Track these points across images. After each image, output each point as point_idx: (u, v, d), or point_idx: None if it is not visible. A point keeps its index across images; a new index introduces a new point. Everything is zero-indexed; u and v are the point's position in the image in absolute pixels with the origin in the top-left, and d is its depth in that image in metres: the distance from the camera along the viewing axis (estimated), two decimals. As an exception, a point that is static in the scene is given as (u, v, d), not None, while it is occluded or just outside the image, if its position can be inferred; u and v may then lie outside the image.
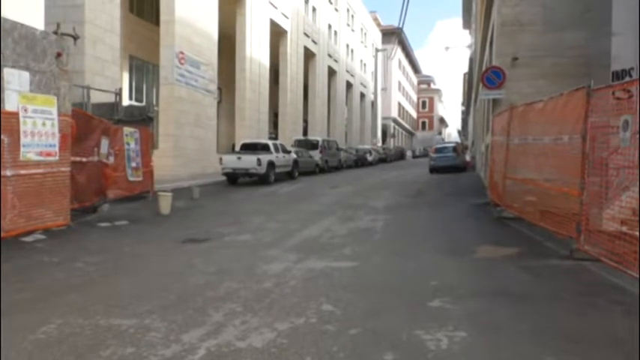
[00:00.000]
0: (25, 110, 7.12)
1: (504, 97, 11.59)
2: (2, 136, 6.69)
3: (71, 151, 8.22)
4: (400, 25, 35.38)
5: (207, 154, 20.91)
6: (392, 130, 64.52)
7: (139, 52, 22.15)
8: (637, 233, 4.62)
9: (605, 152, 5.47)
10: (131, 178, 11.80)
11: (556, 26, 11.20)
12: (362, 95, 51.59)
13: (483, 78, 12.22)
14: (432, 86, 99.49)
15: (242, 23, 24.58)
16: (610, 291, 4.77)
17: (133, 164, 11.94)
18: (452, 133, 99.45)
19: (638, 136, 4.74)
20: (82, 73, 13.60)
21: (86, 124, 9.46)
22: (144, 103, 20.61)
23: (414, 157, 56.41)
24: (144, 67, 23.08)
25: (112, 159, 10.81)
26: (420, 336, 3.64)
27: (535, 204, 7.67)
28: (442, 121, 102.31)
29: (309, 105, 35.88)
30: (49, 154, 7.52)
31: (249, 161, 17.26)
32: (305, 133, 33.93)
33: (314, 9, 35.80)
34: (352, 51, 47.10)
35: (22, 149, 7.02)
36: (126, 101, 19.57)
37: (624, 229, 5.00)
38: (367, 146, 39.26)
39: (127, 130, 11.71)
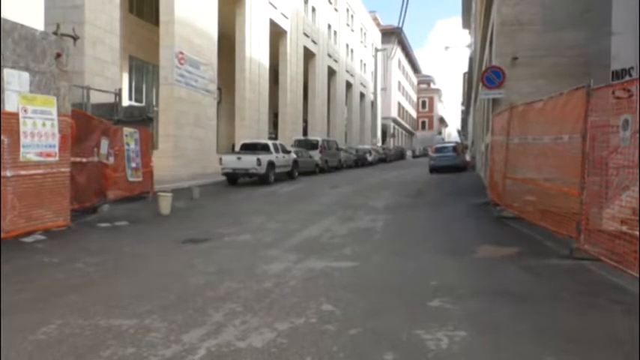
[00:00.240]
0: (25, 111, 7.12)
1: (504, 97, 11.59)
2: (2, 137, 6.69)
3: (71, 151, 8.22)
4: (400, 25, 35.38)
5: (207, 154, 20.91)
6: (392, 130, 64.52)
7: (139, 52, 22.15)
8: (637, 233, 4.62)
9: (605, 151, 5.47)
10: (131, 179, 11.80)
11: (556, 26, 11.20)
12: (362, 95, 51.59)
13: (483, 78, 12.22)
14: (432, 86, 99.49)
15: (242, 23, 24.58)
16: (610, 290, 4.77)
17: (133, 165, 11.94)
18: (452, 132, 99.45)
19: (638, 135, 4.74)
20: (82, 73, 13.60)
21: (86, 124, 9.46)
22: (144, 104, 20.60)
23: (414, 156, 56.41)
24: (144, 68, 23.08)
25: (111, 159, 10.81)
26: (420, 336, 3.64)
27: (535, 203, 7.67)
28: (442, 120, 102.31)
29: (308, 105, 35.88)
30: (49, 155, 7.52)
31: (249, 161, 17.26)
32: (305, 133, 33.93)
33: (313, 9, 35.80)
34: (352, 51, 47.10)
35: (22, 150, 7.02)
36: (126, 102, 19.57)
37: (624, 228, 5.00)
38: (367, 146, 39.26)
39: (126, 130, 11.71)
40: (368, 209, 11.14)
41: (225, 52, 24.81)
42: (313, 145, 24.77)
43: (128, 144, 11.73)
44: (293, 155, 20.68)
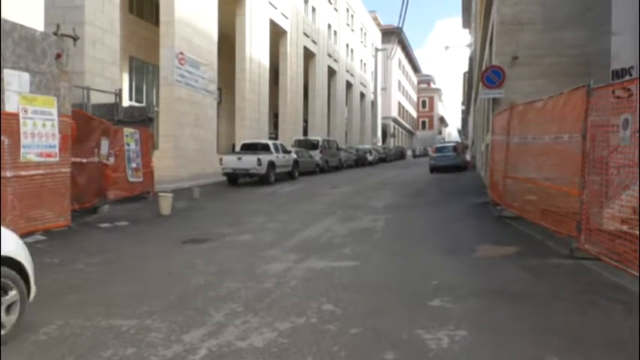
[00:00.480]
0: (26, 111, 7.13)
1: (504, 97, 11.59)
2: (3, 137, 6.69)
3: (71, 152, 8.22)
4: (400, 25, 35.43)
5: (208, 154, 20.91)
6: (392, 130, 64.50)
7: (139, 52, 22.14)
8: (637, 232, 4.62)
9: (606, 151, 5.47)
10: (131, 179, 11.81)
11: (555, 25, 11.20)
12: (362, 95, 51.57)
13: (483, 77, 12.22)
14: (432, 86, 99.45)
15: (242, 23, 24.57)
16: (610, 290, 4.77)
17: (133, 165, 11.94)
18: (452, 132, 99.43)
19: (638, 134, 4.74)
20: (82, 74, 13.59)
21: (86, 124, 9.46)
22: (144, 104, 20.60)
23: (414, 156, 56.35)
24: (144, 68, 23.07)
25: (112, 160, 10.82)
26: (421, 335, 3.64)
27: (535, 203, 7.67)
28: (442, 120, 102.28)
29: (309, 105, 35.87)
30: (49, 155, 7.53)
31: (249, 161, 17.26)
32: (305, 133, 33.92)
33: (313, 9, 35.79)
34: (352, 51, 47.09)
35: (22, 150, 7.02)
36: (126, 102, 19.58)
37: (624, 228, 5.00)
38: (367, 146, 39.22)
39: (127, 130, 11.71)
40: (368, 209, 11.14)
41: (225, 53, 24.81)
42: (313, 145, 24.77)
43: (128, 144, 11.73)
44: (293, 155, 20.68)
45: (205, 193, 14.37)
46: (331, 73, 40.49)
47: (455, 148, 26.24)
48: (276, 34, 29.05)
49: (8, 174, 6.77)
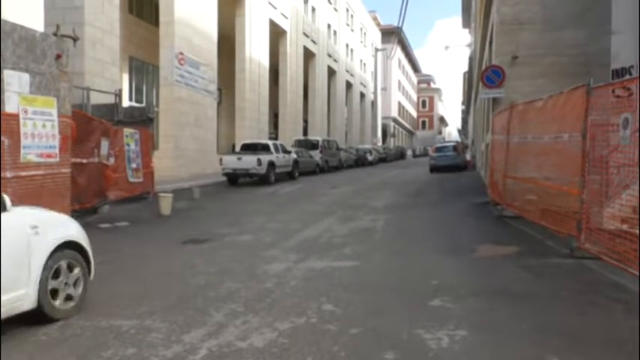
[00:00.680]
0: (26, 112, 7.13)
1: (504, 96, 11.59)
2: (3, 138, 6.69)
3: (71, 152, 8.22)
4: (399, 25, 35.35)
5: (208, 154, 20.91)
6: (392, 130, 64.49)
7: (139, 53, 22.14)
8: (637, 231, 4.61)
9: (606, 150, 5.47)
10: (131, 179, 11.81)
11: (555, 25, 11.20)
12: (362, 95, 51.57)
13: (483, 77, 12.22)
14: (432, 85, 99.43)
15: (241, 24, 24.57)
16: (610, 289, 4.77)
17: (134, 165, 11.95)
18: (452, 132, 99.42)
19: (638, 134, 4.74)
20: (82, 74, 13.59)
21: (86, 125, 9.47)
22: (144, 104, 20.59)
23: (415, 156, 56.34)
24: (144, 68, 23.07)
25: (112, 160, 10.82)
26: (421, 335, 3.64)
27: (535, 202, 7.66)
28: (442, 120, 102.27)
29: (309, 105, 35.87)
30: (49, 156, 7.52)
31: (249, 161, 17.26)
32: (305, 133, 33.91)
33: (313, 9, 35.79)
34: (352, 51, 47.08)
35: (22, 151, 7.02)
36: (126, 102, 19.57)
37: (625, 227, 5.00)
38: (367, 146, 39.21)
39: (127, 131, 11.71)
40: (368, 209, 11.14)
41: (225, 53, 24.81)
42: (313, 145, 24.76)
43: (128, 145, 11.73)
44: (293, 155, 20.68)
45: (205, 193, 14.38)
46: (331, 73, 40.49)
47: (455, 148, 26.23)
48: (276, 34, 29.05)
49: (8, 174, 6.76)
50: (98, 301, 4.55)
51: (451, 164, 24.29)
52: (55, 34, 8.08)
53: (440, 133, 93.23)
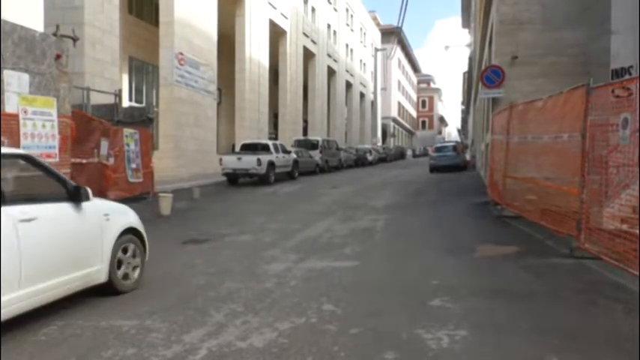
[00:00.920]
0: (25, 112, 7.13)
1: (504, 96, 11.59)
2: (2, 138, 6.70)
3: (71, 152, 8.22)
4: (399, 25, 35.36)
5: (208, 154, 20.91)
6: (392, 130, 64.49)
7: (139, 53, 22.14)
8: (637, 231, 4.62)
9: (605, 150, 5.47)
10: (131, 180, 11.80)
11: (555, 25, 11.20)
12: (362, 95, 51.57)
13: (483, 77, 12.22)
14: (432, 85, 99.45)
15: (241, 24, 24.57)
16: (610, 289, 4.77)
17: (133, 165, 11.94)
18: (452, 132, 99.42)
19: (637, 134, 4.74)
20: (82, 74, 13.59)
21: (86, 125, 9.47)
22: (144, 104, 20.58)
23: (414, 156, 56.35)
24: (143, 68, 23.07)
25: (111, 160, 10.82)
26: (421, 335, 3.64)
27: (535, 202, 7.67)
28: (442, 120, 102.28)
29: (308, 105, 35.87)
30: (49, 156, 7.53)
31: (249, 161, 17.26)
32: (305, 133, 33.91)
33: (313, 9, 35.79)
34: (351, 51, 47.09)
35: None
36: (126, 102, 19.57)
37: (624, 227, 5.00)
38: (367, 146, 39.21)
39: (126, 131, 11.71)
40: (368, 209, 11.14)
41: (224, 53, 24.81)
42: (313, 145, 24.76)
43: (128, 145, 11.73)
44: (293, 155, 20.68)
45: (205, 193, 14.38)
46: (331, 73, 40.49)
47: (455, 148, 26.24)
48: (276, 34, 29.05)
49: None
50: (98, 301, 4.55)
51: (451, 164, 24.29)
52: (54, 35, 8.09)
53: (440, 133, 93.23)
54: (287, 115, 30.85)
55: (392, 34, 57.50)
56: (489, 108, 15.24)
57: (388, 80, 61.41)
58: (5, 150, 4.25)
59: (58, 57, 7.79)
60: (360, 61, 50.93)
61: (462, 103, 60.94)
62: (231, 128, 26.95)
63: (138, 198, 12.17)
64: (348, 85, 46.67)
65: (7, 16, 7.56)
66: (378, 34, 58.42)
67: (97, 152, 10.03)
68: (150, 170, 12.85)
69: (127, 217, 5.09)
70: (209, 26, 21.08)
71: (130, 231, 5.02)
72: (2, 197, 3.75)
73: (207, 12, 20.91)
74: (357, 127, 49.47)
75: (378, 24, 60.31)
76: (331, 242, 7.43)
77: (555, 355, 3.27)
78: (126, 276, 4.91)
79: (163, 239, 7.84)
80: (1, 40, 6.77)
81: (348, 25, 45.25)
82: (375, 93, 48.53)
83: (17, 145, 6.97)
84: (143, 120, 12.90)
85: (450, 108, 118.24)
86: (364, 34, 51.91)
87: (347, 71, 45.33)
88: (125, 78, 21.36)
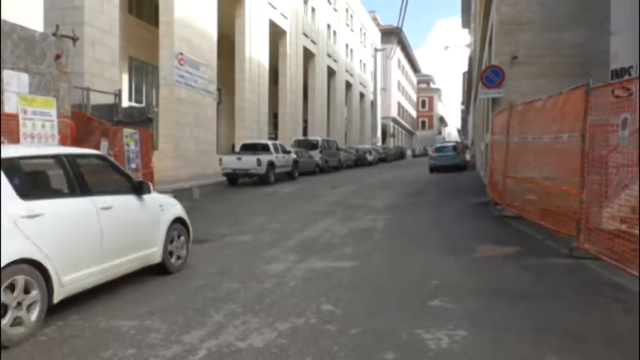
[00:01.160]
0: (25, 112, 7.13)
1: (504, 96, 11.59)
2: (2, 138, 6.69)
3: (71, 152, 8.20)
4: (399, 25, 35.37)
5: (207, 154, 20.90)
6: (392, 130, 64.49)
7: (139, 53, 22.14)
8: (637, 231, 4.62)
9: (605, 150, 5.47)
10: (131, 180, 11.79)
11: (555, 25, 11.20)
12: (361, 95, 51.58)
13: (483, 77, 12.23)
14: (432, 85, 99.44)
15: (241, 24, 24.57)
16: (610, 289, 4.78)
17: (133, 165, 11.93)
18: (452, 132, 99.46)
19: (637, 134, 4.74)
20: (82, 74, 13.59)
21: (85, 125, 9.47)
22: (143, 105, 20.59)
23: (414, 156, 56.35)
24: (143, 68, 23.07)
25: (111, 160, 10.80)
26: (421, 335, 3.64)
27: (535, 202, 7.67)
28: (442, 120, 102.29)
29: (308, 105, 35.88)
30: (48, 156, 7.51)
31: (249, 162, 17.26)
32: (305, 133, 33.92)
33: (313, 9, 35.80)
34: (351, 51, 47.10)
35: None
36: (125, 102, 19.56)
37: (624, 227, 5.00)
38: (367, 146, 39.21)
39: (126, 131, 11.69)
40: (368, 209, 11.14)
41: (224, 53, 24.82)
42: (313, 145, 24.76)
43: (128, 145, 11.71)
44: (293, 155, 20.68)
45: (205, 193, 14.38)
46: (331, 73, 40.50)
47: (455, 148, 26.25)
48: (276, 34, 29.05)
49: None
50: (97, 302, 4.55)
51: (451, 164, 24.29)
52: (54, 35, 8.08)
53: (440, 133, 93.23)
54: (287, 115, 30.85)
55: (392, 34, 57.50)
56: (489, 108, 15.25)
57: (388, 80, 61.41)
58: (84, 151, 5.36)
59: (57, 57, 7.79)
60: (360, 61, 50.94)
61: (462, 103, 60.96)
62: (231, 128, 26.95)
63: (138, 198, 12.16)
64: (348, 85, 46.67)
65: (7, 16, 7.55)
66: (378, 34, 58.43)
67: (96, 152, 10.00)
68: (150, 170, 12.83)
69: (175, 208, 5.89)
70: (209, 26, 21.08)
71: (178, 220, 5.79)
72: (89, 189, 4.57)
73: (207, 12, 20.92)
74: (357, 127, 49.48)
75: (378, 24, 60.32)
76: (331, 242, 7.43)
77: (555, 356, 3.27)
78: (175, 258, 5.66)
79: (163, 239, 7.83)
80: (0, 40, 6.76)
81: (348, 25, 45.26)
82: (374, 93, 48.54)
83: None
84: (143, 120, 12.89)
85: (450, 108, 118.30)
86: (364, 34, 51.92)
87: (347, 71, 45.34)
88: (125, 78, 21.36)
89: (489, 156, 12.18)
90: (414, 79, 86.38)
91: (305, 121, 35.65)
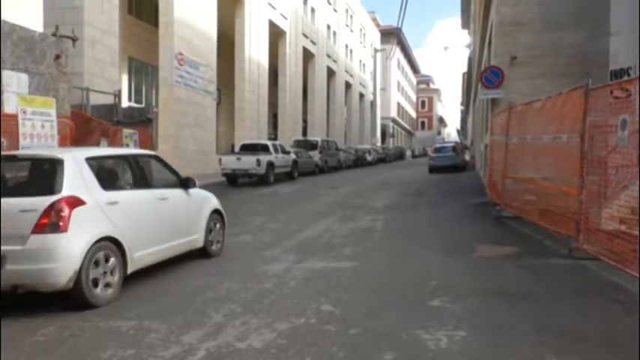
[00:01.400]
0: (24, 112, 7.13)
1: (503, 97, 11.60)
2: (2, 138, 6.69)
3: (70, 152, 8.20)
4: (399, 25, 35.40)
5: (207, 155, 20.90)
6: (391, 130, 64.50)
7: (138, 53, 22.14)
8: (636, 232, 4.62)
9: (604, 151, 5.48)
10: (131, 180, 11.79)
11: (554, 25, 11.21)
12: (361, 95, 51.60)
13: (482, 78, 12.23)
14: (431, 86, 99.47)
15: (241, 24, 24.57)
16: (609, 290, 4.78)
17: (133, 166, 11.92)
18: (451, 132, 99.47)
19: (637, 135, 4.74)
20: (81, 74, 13.60)
21: (85, 125, 9.47)
22: (143, 105, 20.60)
23: (414, 156, 56.34)
24: (143, 69, 23.07)
25: (111, 160, 10.79)
26: (420, 335, 3.64)
27: (534, 203, 7.67)
28: (441, 120, 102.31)
29: (308, 105, 35.88)
30: (48, 156, 7.51)
31: (248, 162, 17.25)
32: (304, 133, 33.92)
33: (313, 9, 35.81)
34: (351, 51, 47.11)
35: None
36: (125, 103, 19.55)
37: (623, 227, 5.00)
38: (366, 146, 39.22)
39: (126, 131, 11.70)
40: (368, 209, 11.14)
41: (224, 53, 24.82)
42: (313, 146, 24.75)
43: (127, 145, 11.71)
44: (292, 156, 20.67)
45: (205, 193, 14.33)
46: (330, 73, 40.51)
47: (454, 149, 26.26)
48: (276, 34, 29.06)
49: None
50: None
51: (450, 165, 24.29)
52: (54, 35, 8.08)
53: (439, 133, 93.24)
54: (286, 115, 30.86)
55: (391, 35, 57.50)
56: (489, 108, 15.25)
57: (388, 81, 61.42)
58: (144, 152, 6.49)
59: (57, 57, 7.79)
60: (360, 61, 50.95)
61: (462, 104, 60.96)
62: (230, 128, 26.96)
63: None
64: (348, 86, 46.69)
65: (7, 16, 7.55)
66: (378, 35, 58.45)
67: (96, 152, 10.00)
68: (149, 170, 12.83)
69: (213, 201, 6.67)
70: (209, 26, 21.08)
71: (216, 211, 6.60)
72: (149, 183, 5.61)
73: (207, 12, 20.92)
74: (357, 127, 49.49)
75: (377, 25, 60.34)
76: (331, 242, 7.43)
77: (554, 356, 3.28)
78: (214, 244, 6.50)
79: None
80: (0, 40, 6.76)
81: (347, 25, 45.27)
82: (374, 93, 48.54)
83: (16, 145, 6.96)
84: (142, 120, 12.89)
85: (450, 108, 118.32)
86: (364, 34, 51.94)
87: (346, 72, 45.36)
88: (124, 78, 21.35)
89: (489, 156, 12.18)
90: (414, 80, 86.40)
91: (304, 122, 35.66)
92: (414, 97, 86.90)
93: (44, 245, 4.17)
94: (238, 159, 17.46)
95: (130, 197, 5.15)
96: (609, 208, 5.34)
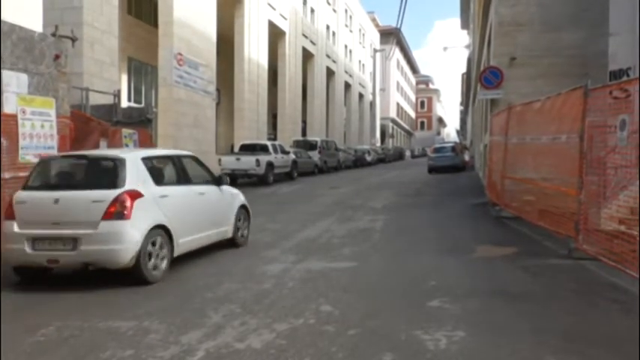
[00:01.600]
0: (24, 112, 7.12)
1: (502, 97, 11.59)
2: (2, 139, 6.68)
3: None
4: (398, 26, 35.35)
5: (206, 155, 20.81)
6: (390, 131, 64.48)
7: (138, 53, 22.12)
8: (635, 232, 4.62)
9: (603, 151, 5.48)
10: (130, 180, 11.77)
11: (553, 26, 11.21)
12: (360, 96, 51.57)
13: (481, 78, 12.23)
14: (431, 86, 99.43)
15: (240, 24, 24.56)
16: (609, 290, 4.78)
17: (132, 166, 11.91)
18: (450, 132, 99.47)
19: (636, 135, 4.75)
20: (81, 74, 13.57)
21: (84, 125, 9.45)
22: (143, 105, 20.58)
23: (413, 157, 56.36)
24: (142, 69, 23.05)
25: (110, 161, 10.78)
26: (419, 336, 3.64)
27: (533, 203, 7.68)
28: (441, 121, 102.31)
29: (307, 106, 35.85)
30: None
31: (248, 162, 17.26)
32: (304, 133, 33.89)
33: (312, 10, 35.79)
34: (350, 51, 47.09)
35: (20, 151, 7.01)
36: (124, 103, 19.52)
37: (622, 228, 5.01)
38: (366, 146, 39.22)
39: (125, 131, 11.67)
40: (367, 209, 11.15)
41: (224, 53, 24.79)
42: (312, 146, 24.75)
43: (127, 145, 11.68)
44: (292, 156, 20.67)
45: (204, 194, 14.32)
46: (330, 73, 40.49)
47: (453, 149, 26.26)
48: (275, 35, 29.04)
49: (6, 175, 6.74)
50: (96, 302, 4.54)
51: (449, 165, 24.29)
52: (53, 35, 8.07)
53: (438, 133, 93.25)
54: (286, 115, 30.83)
55: (391, 35, 57.49)
56: (488, 109, 15.25)
57: (387, 81, 61.40)
58: (184, 152, 7.11)
59: (56, 57, 7.78)
60: (359, 61, 50.94)
61: (461, 104, 60.96)
62: (230, 129, 26.93)
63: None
64: (347, 86, 46.67)
65: (6, 16, 7.54)
66: (377, 35, 58.44)
67: (95, 153, 9.98)
68: (148, 171, 12.82)
69: (241, 197, 7.42)
70: (208, 27, 21.06)
71: (243, 207, 7.29)
72: (189, 179, 6.37)
73: (207, 12, 20.91)
74: (356, 127, 49.47)
75: (377, 25, 60.32)
76: (330, 243, 7.43)
77: (553, 356, 3.28)
78: (241, 235, 7.20)
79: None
80: (0, 40, 6.76)
81: (347, 26, 45.26)
82: (373, 94, 48.53)
83: (15, 145, 6.95)
84: (142, 120, 12.87)
85: (449, 109, 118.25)
86: (363, 35, 51.92)
87: (346, 72, 45.34)
88: (124, 78, 21.33)
89: (488, 157, 12.19)
90: (413, 80, 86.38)
91: (304, 122, 35.63)
92: (413, 97, 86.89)
93: (112, 229, 4.95)
94: (238, 159, 17.47)
95: (176, 192, 5.95)
96: (608, 209, 5.35)
